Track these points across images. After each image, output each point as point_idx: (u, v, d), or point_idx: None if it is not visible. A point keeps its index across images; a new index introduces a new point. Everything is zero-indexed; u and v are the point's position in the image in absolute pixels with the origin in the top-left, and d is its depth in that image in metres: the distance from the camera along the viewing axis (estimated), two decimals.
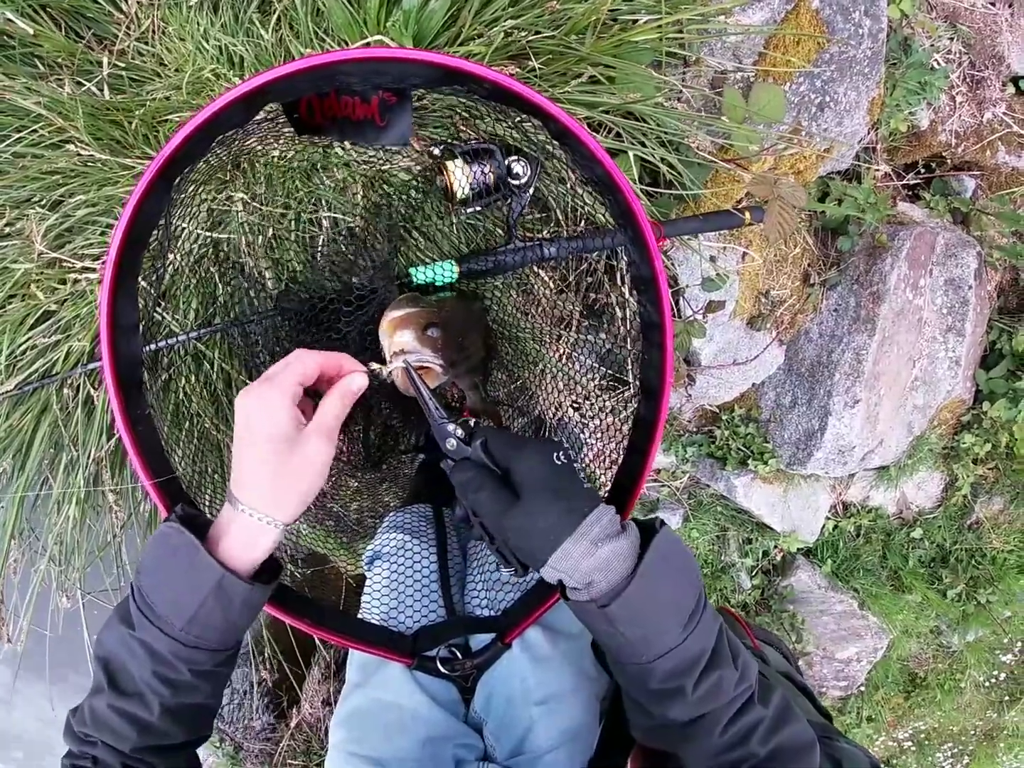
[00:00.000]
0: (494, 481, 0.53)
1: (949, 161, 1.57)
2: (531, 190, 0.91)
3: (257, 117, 0.63)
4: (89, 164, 0.95)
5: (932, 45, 1.47)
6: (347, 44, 0.95)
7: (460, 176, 0.87)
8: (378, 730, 0.68)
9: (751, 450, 1.68)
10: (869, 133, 1.39)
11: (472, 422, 0.58)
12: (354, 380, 0.55)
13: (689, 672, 0.50)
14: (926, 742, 3.16)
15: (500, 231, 1.05)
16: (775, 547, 2.09)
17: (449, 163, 0.87)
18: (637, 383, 0.72)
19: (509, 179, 0.88)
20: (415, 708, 0.68)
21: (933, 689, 2.87)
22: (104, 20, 0.97)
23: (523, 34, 0.94)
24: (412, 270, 0.91)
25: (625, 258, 0.72)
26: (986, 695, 3.04)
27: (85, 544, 1.12)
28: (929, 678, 2.88)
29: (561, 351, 1.08)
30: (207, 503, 0.72)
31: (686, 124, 1.12)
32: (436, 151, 0.91)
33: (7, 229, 0.96)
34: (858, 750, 0.59)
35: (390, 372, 0.65)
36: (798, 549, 2.07)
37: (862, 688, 2.75)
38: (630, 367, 0.84)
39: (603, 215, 0.94)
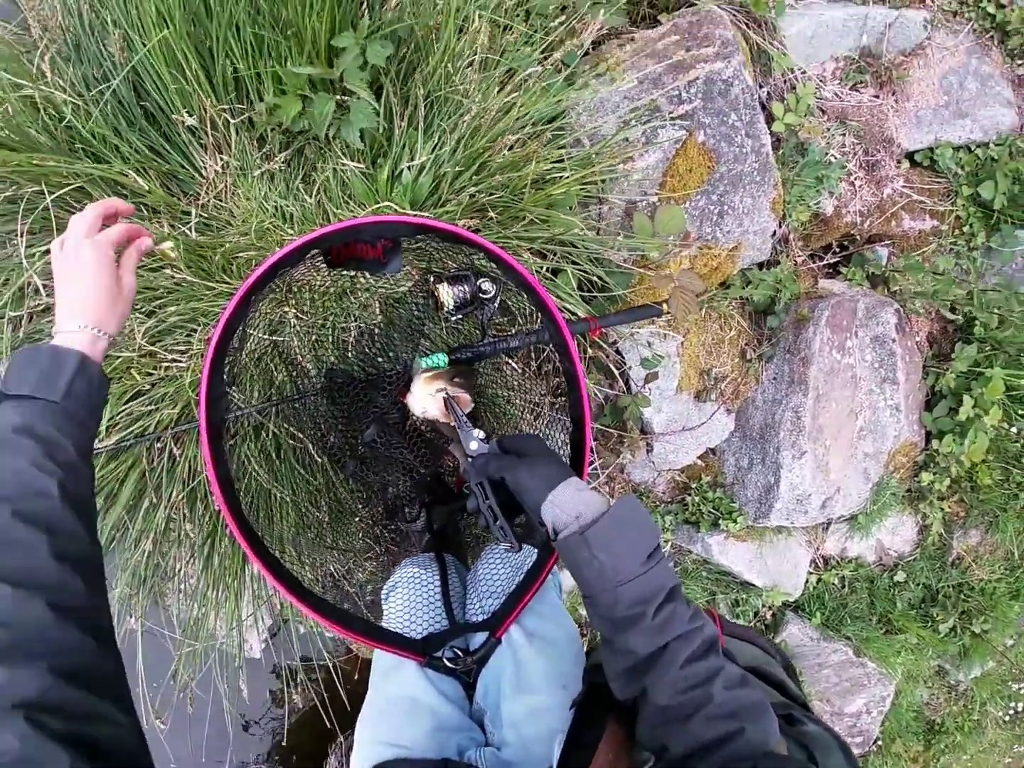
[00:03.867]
0: (508, 456, 0.80)
1: (859, 237, 1.84)
2: (496, 302, 1.21)
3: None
4: (181, 285, 1.30)
5: (827, 143, 1.77)
6: (365, 206, 1.31)
7: (446, 294, 1.16)
8: (396, 719, 0.87)
9: (720, 511, 1.87)
10: (781, 227, 1.67)
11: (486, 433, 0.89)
12: (143, 242, 0.82)
13: (650, 601, 0.65)
14: None
15: (477, 331, 1.34)
16: (763, 605, 2.24)
17: (439, 286, 1.17)
18: (568, 418, 1.04)
19: (480, 294, 1.18)
20: (427, 702, 0.87)
21: (952, 733, 2.92)
22: (191, 181, 1.34)
23: (483, 196, 1.32)
24: (417, 358, 1.19)
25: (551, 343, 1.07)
26: (1009, 730, 3.08)
27: (151, 579, 1.40)
28: (946, 722, 2.93)
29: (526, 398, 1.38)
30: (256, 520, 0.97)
31: (607, 244, 1.41)
32: (430, 278, 1.22)
33: None
34: (826, 732, 0.66)
35: (423, 412, 1.03)
36: (784, 603, 2.22)
37: (879, 743, 2.80)
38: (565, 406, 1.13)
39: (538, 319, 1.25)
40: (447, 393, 1.03)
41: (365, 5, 1.28)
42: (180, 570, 1.42)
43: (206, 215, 1.33)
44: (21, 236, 1.22)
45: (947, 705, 2.99)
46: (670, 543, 1.97)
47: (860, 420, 1.85)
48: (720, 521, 1.85)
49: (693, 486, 1.86)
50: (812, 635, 2.35)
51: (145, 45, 1.20)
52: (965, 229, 2.01)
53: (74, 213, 1.19)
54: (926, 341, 2.02)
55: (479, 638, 0.95)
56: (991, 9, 2.20)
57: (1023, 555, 2.51)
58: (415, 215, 1.19)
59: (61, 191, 1.23)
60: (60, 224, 1.25)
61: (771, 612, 2.31)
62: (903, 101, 1.96)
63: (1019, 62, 2.29)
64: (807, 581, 2.25)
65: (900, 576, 2.43)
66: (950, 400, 2.03)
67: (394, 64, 1.33)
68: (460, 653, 0.92)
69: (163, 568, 1.41)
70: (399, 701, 0.89)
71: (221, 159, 1.30)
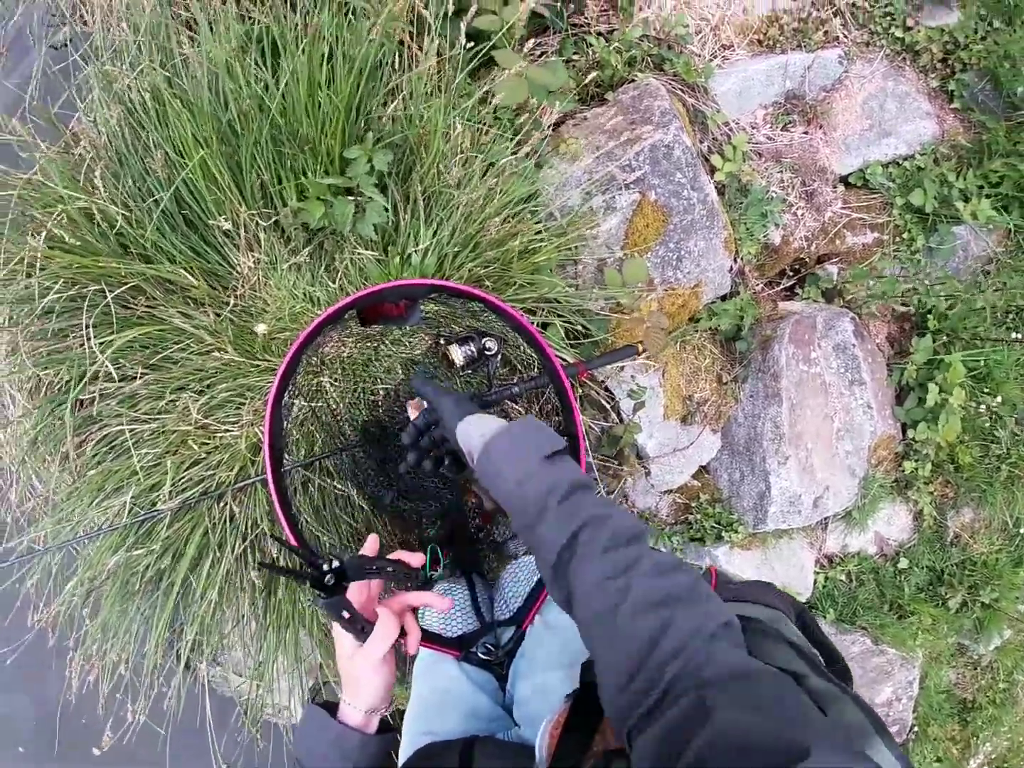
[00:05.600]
0: (443, 393, 0.95)
1: (808, 259, 2.09)
2: (499, 357, 1.45)
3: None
4: (229, 365, 1.54)
5: (766, 181, 2.02)
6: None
7: (456, 354, 1.40)
8: (433, 710, 1.02)
9: (722, 524, 2.06)
10: (736, 261, 1.91)
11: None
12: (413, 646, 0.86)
13: (553, 492, 0.69)
14: (1005, 765, 3.28)
15: (484, 382, 1.58)
16: None
17: (450, 347, 1.41)
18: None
19: (485, 351, 1.41)
20: (460, 691, 1.04)
21: (986, 708, 3.04)
22: (227, 276, 1.59)
23: (479, 268, 1.58)
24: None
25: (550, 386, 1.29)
26: None
27: (215, 628, 1.60)
28: (978, 698, 3.06)
29: None
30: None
31: (585, 297, 1.65)
32: (441, 341, 1.49)
33: (169, 405, 1.54)
34: (834, 686, 0.61)
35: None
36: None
37: (915, 730, 2.93)
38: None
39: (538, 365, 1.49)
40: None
41: (364, 122, 1.55)
42: (243, 617, 1.61)
43: (243, 304, 1.57)
44: (86, 328, 1.42)
45: (975, 681, 3.10)
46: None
47: (836, 422, 2.06)
48: (723, 533, 2.04)
49: (693, 505, 2.05)
50: (828, 631, 2.50)
51: (185, 165, 1.45)
52: (904, 236, 2.25)
53: (143, 321, 1.47)
54: (886, 342, 2.25)
55: (508, 635, 1.13)
56: (899, 33, 2.50)
57: (1017, 521, 2.69)
58: (429, 279, 1.44)
59: (119, 289, 1.45)
60: (120, 319, 1.47)
61: None
62: (831, 132, 2.23)
63: (932, 75, 2.58)
64: (815, 581, 2.42)
65: (903, 563, 2.61)
66: (918, 391, 2.24)
67: (394, 167, 1.59)
68: (491, 648, 1.10)
69: (227, 615, 1.60)
70: (436, 694, 1.06)
71: (253, 256, 1.54)
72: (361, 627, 0.78)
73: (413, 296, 1.24)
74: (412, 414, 1.29)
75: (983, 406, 2.42)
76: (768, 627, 0.74)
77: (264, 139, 1.47)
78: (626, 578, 0.61)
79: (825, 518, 2.25)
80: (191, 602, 1.56)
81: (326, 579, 0.74)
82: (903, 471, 2.34)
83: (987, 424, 2.48)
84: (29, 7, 2.05)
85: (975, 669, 3.09)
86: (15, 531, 1.75)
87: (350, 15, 1.57)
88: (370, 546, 0.86)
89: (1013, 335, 2.43)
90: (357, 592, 0.82)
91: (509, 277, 1.62)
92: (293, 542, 1.01)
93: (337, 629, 0.80)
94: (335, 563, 0.75)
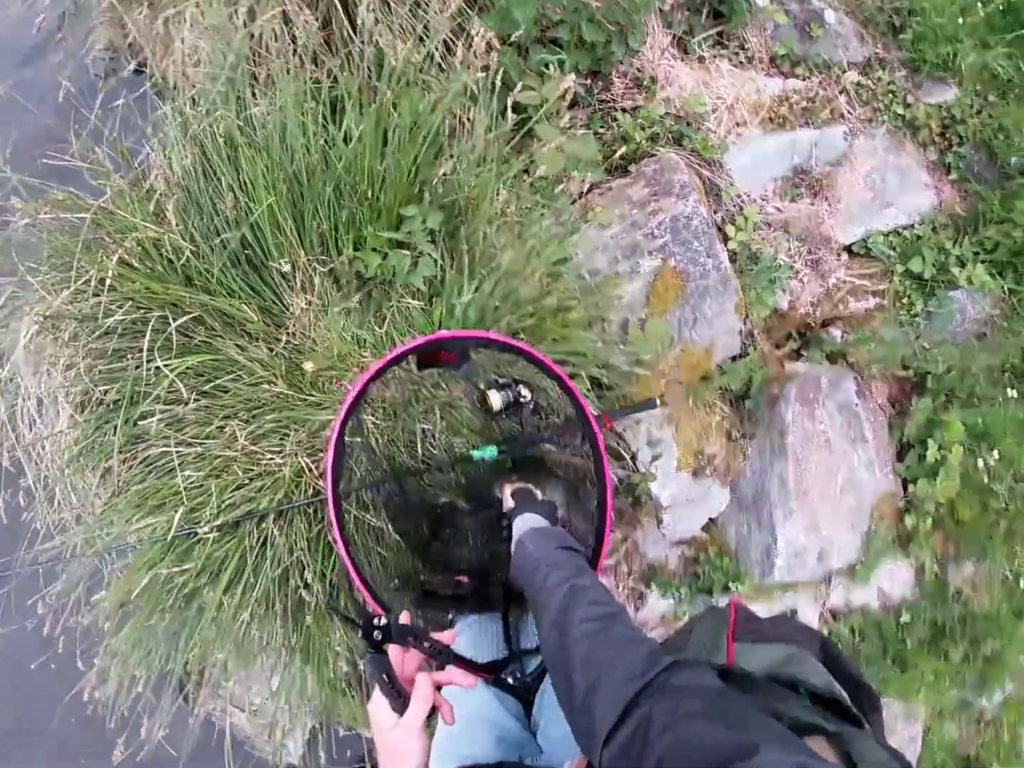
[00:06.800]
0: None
1: (814, 324, 2.24)
2: (532, 403, 1.59)
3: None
4: (279, 397, 1.65)
5: (775, 250, 2.19)
6: (424, 335, 1.68)
7: (495, 398, 1.53)
8: (462, 736, 1.08)
9: (729, 576, 2.16)
10: (746, 324, 2.07)
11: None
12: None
13: (555, 564, 0.96)
14: None
15: (517, 425, 1.74)
16: None
17: (489, 392, 1.54)
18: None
19: (520, 399, 1.55)
20: (489, 716, 1.11)
21: (990, 764, 3.08)
22: (282, 315, 1.72)
23: (517, 323, 1.73)
24: (472, 452, 1.55)
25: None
26: None
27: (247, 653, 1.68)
28: (981, 754, 3.10)
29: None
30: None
31: (611, 352, 1.80)
32: (482, 386, 1.61)
33: (216, 431, 1.63)
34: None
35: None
36: None
37: None
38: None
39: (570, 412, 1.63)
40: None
41: (419, 183, 1.73)
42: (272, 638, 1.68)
43: (295, 342, 1.71)
44: (147, 351, 1.52)
45: (979, 737, 3.12)
46: (687, 614, 2.24)
47: (840, 477, 2.19)
48: (730, 584, 2.15)
49: (702, 557, 2.16)
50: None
51: (253, 209, 1.59)
52: (904, 300, 2.42)
53: (200, 349, 1.59)
54: (888, 401, 2.39)
55: (534, 664, 1.22)
56: (900, 110, 2.71)
57: (1017, 575, 2.78)
58: (486, 332, 1.58)
59: (183, 318, 1.56)
60: (179, 345, 1.57)
61: None
62: (835, 203, 2.41)
63: (930, 149, 2.78)
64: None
65: (905, 617, 2.67)
66: (918, 448, 2.37)
67: (444, 225, 1.76)
68: (519, 675, 1.18)
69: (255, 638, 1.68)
70: (465, 720, 1.08)
71: (306, 298, 1.69)
72: (398, 692, 0.82)
73: (468, 346, 1.41)
74: (508, 502, 1.42)
75: (981, 462, 2.53)
76: (782, 677, 0.78)
77: (327, 191, 1.63)
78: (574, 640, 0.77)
79: (829, 572, 2.35)
80: (222, 621, 1.63)
81: (374, 634, 0.81)
82: (904, 526, 2.45)
83: (985, 480, 2.59)
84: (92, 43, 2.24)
85: (978, 724, 3.09)
86: (43, 539, 1.79)
87: (419, 87, 1.75)
88: (403, 619, 0.93)
89: (1009, 392, 2.57)
90: (394, 662, 0.87)
91: (544, 331, 1.76)
92: (359, 586, 1.12)
93: (374, 703, 0.84)
94: (383, 620, 0.82)
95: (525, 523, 1.17)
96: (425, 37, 1.85)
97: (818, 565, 2.17)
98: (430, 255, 1.70)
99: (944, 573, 2.71)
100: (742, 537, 2.14)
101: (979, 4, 2.88)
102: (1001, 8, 2.88)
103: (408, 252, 1.70)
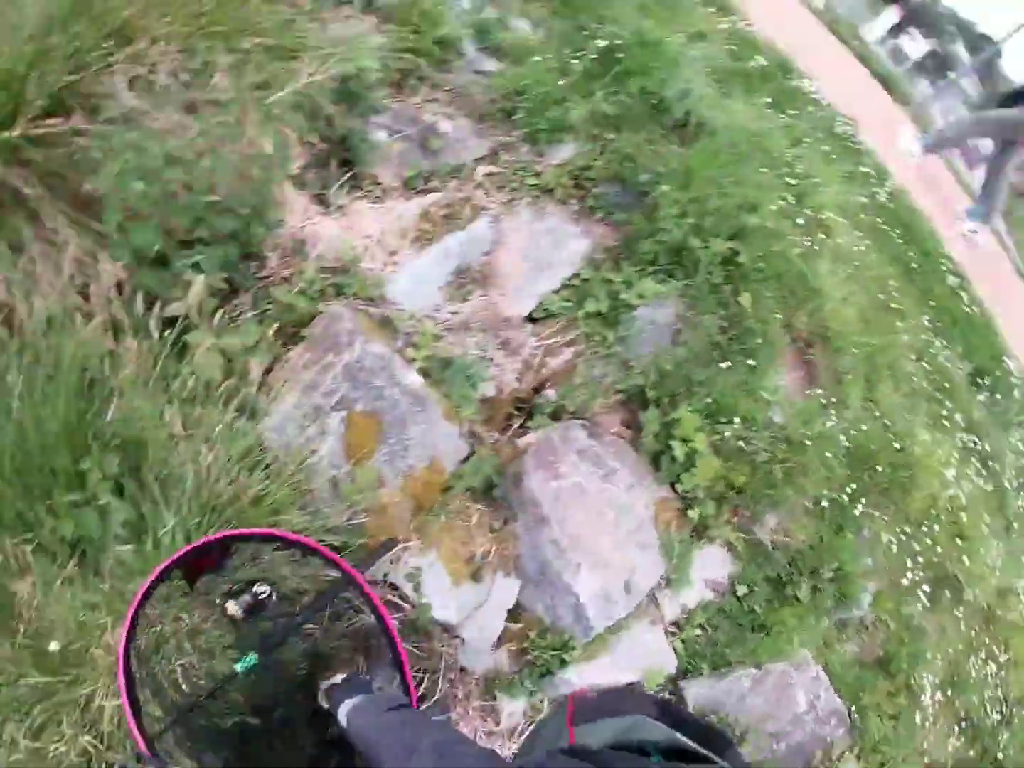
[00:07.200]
0: None
1: (526, 396, 2.46)
2: (275, 595, 1.64)
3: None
4: (37, 687, 1.58)
5: (463, 349, 2.40)
6: (145, 574, 1.59)
7: (232, 608, 1.60)
8: None
9: (558, 648, 2.21)
10: (462, 426, 2.21)
11: None
12: None
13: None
14: (956, 679, 3.30)
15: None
16: (655, 692, 2.55)
17: (226, 605, 1.59)
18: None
19: (259, 596, 1.60)
20: None
21: (900, 651, 3.15)
22: (10, 605, 1.63)
23: (225, 527, 1.74)
24: (236, 666, 1.53)
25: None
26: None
27: None
28: (888, 649, 3.16)
29: None
30: None
31: (329, 516, 1.82)
32: (217, 601, 1.63)
33: None
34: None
35: None
36: (668, 678, 2.56)
37: (854, 711, 2.96)
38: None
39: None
40: None
41: (89, 431, 1.72)
42: None
43: (33, 627, 1.63)
44: None
45: (874, 639, 3.23)
46: (544, 700, 2.24)
47: (608, 511, 2.36)
48: (563, 656, 2.19)
49: (526, 645, 2.20)
50: (712, 684, 2.67)
51: None
52: (596, 339, 2.72)
53: None
54: (623, 427, 2.64)
55: None
56: (533, 181, 3.13)
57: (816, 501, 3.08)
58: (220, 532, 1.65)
59: None
60: None
61: (667, 692, 2.62)
62: (504, 284, 2.70)
63: (571, 202, 3.20)
64: (675, 649, 2.60)
65: (742, 589, 2.88)
66: (667, 452, 2.64)
67: (125, 463, 1.75)
68: None
69: None
70: None
71: (28, 580, 1.62)
72: None
73: (212, 548, 1.52)
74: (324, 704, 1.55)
75: (728, 432, 2.84)
76: (629, 744, 0.88)
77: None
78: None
79: (648, 594, 2.48)
80: None
81: None
82: (691, 520, 2.67)
83: (741, 445, 2.91)
84: None
85: (868, 630, 3.33)
86: None
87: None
88: None
89: (722, 365, 2.93)
90: None
91: (254, 521, 1.76)
92: None
93: None
94: None
95: (346, 707, 1.37)
96: None
97: (629, 597, 2.29)
98: (119, 505, 1.69)
99: (753, 535, 2.96)
100: (550, 609, 2.21)
101: (574, 61, 3.42)
102: (593, 58, 3.44)
103: (94, 507, 1.67)
